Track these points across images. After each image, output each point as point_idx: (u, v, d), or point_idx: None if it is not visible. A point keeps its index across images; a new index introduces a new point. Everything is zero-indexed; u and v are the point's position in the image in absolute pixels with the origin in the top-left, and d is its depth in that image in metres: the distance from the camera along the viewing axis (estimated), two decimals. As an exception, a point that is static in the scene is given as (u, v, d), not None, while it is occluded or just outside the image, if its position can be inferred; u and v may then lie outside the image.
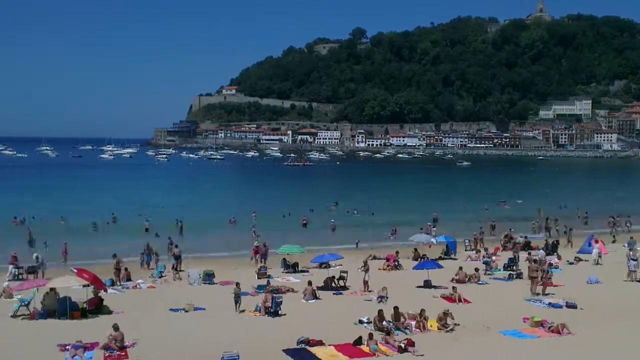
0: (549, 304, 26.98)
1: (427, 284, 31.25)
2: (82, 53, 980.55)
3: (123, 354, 20.04)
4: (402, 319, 23.22)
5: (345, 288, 31.25)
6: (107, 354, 19.96)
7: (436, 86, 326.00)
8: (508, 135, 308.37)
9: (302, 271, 36.46)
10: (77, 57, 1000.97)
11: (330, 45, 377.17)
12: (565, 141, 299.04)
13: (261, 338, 21.93)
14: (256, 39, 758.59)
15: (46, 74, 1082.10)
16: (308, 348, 20.62)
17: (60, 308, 25.14)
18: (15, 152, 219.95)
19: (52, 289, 26.02)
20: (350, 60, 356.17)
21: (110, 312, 26.01)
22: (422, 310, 23.46)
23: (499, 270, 36.26)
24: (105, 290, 28.54)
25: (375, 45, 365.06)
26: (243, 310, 26.01)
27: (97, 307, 26.23)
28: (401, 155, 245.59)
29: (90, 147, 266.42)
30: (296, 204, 69.76)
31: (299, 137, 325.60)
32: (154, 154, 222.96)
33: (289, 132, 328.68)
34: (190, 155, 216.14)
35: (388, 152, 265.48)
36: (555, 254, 40.82)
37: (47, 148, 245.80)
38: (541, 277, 29.56)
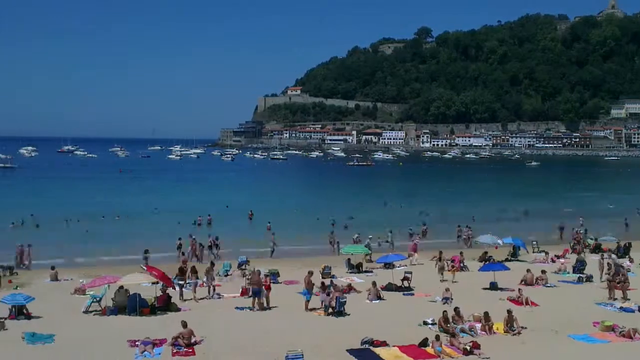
0: (621, 308, 26.25)
1: (493, 286, 30.77)
2: (150, 55, 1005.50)
3: (190, 350, 20.40)
4: (462, 321, 22.91)
5: (409, 289, 31.06)
6: (175, 350, 20.36)
7: (503, 85, 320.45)
8: (578, 134, 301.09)
9: (366, 271, 36.38)
10: (147, 60, 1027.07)
11: (395, 45, 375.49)
12: (638, 141, 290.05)
13: (325, 338, 21.99)
14: (321, 40, 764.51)
15: (116, 76, 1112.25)
16: (372, 349, 20.59)
17: (130, 304, 25.77)
18: (86, 153, 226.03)
19: (122, 286, 26.73)
20: (416, 60, 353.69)
21: (178, 309, 26.51)
22: (487, 313, 23.12)
23: (568, 273, 35.42)
24: (174, 288, 29.10)
25: (440, 44, 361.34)
26: (313, 309, 26.06)
27: (165, 304, 26.78)
28: (468, 156, 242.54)
29: (159, 148, 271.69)
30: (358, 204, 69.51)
31: (363, 137, 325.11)
32: (219, 154, 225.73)
33: (354, 132, 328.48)
34: (255, 156, 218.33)
35: (454, 153, 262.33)
36: (627, 256, 39.62)
37: (118, 148, 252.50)
38: (621, 281, 28.75)
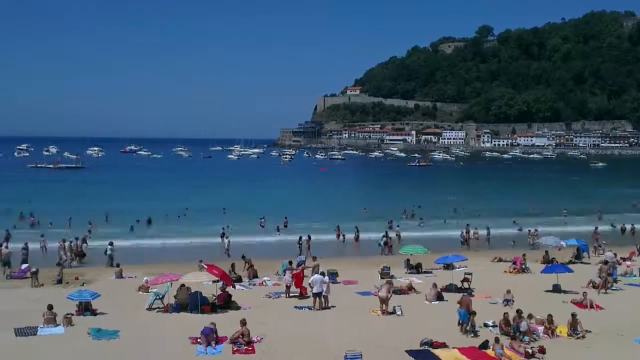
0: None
1: (556, 289, 30.18)
2: (212, 55, 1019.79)
3: (250, 348, 20.64)
4: (523, 322, 22.52)
5: (470, 290, 30.72)
6: (235, 348, 20.63)
7: (567, 84, 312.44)
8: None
9: (425, 272, 36.12)
10: (208, 60, 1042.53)
11: (455, 44, 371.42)
12: None
13: (384, 338, 21.95)
14: (381, 39, 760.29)
15: (177, 77, 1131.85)
16: (431, 350, 20.46)
17: (191, 302, 26.21)
18: (150, 153, 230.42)
19: (183, 284, 27.21)
20: (476, 59, 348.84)
21: (238, 308, 26.82)
22: (550, 316, 22.69)
23: (635, 276, 34.45)
24: (234, 287, 29.46)
25: (502, 42, 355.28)
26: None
27: (226, 303, 27.14)
28: (532, 156, 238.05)
29: (220, 148, 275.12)
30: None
31: (423, 137, 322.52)
32: (278, 154, 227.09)
33: (413, 132, 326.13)
34: (315, 156, 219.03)
35: (515, 153, 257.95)
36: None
37: (181, 148, 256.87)
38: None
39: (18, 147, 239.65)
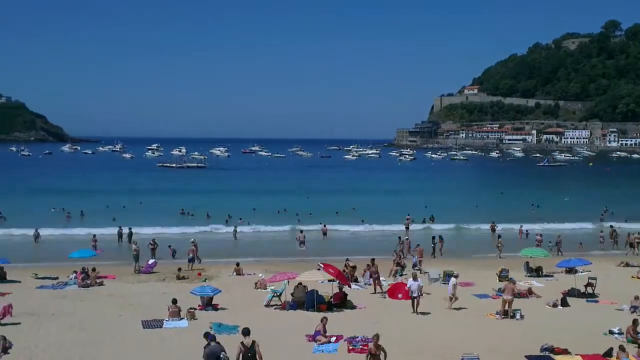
0: None
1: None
2: (328, 55, 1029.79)
3: (366, 348, 20.67)
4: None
5: (594, 295, 29.54)
6: (350, 347, 20.78)
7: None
8: None
9: (546, 276, 35.03)
10: (323, 60, 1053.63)
11: (580, 39, 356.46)
12: None
13: (502, 342, 21.49)
14: (500, 37, 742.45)
15: (293, 78, 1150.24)
16: (552, 356, 19.86)
17: (308, 300, 26.64)
18: (270, 153, 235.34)
19: (300, 282, 27.68)
20: (602, 55, 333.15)
21: (354, 307, 26.99)
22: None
23: None
24: (349, 286, 29.68)
25: (630, 37, 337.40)
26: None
27: (341, 302, 27.39)
28: None
29: (337, 148, 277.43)
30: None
31: (544, 136, 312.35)
32: (397, 154, 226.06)
33: (533, 131, 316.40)
34: (433, 156, 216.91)
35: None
36: None
37: (298, 148, 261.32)
38: None
39: (148, 147, 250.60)
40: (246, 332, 16.66)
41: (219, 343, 17.27)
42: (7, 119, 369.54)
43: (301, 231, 47.30)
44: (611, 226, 50.03)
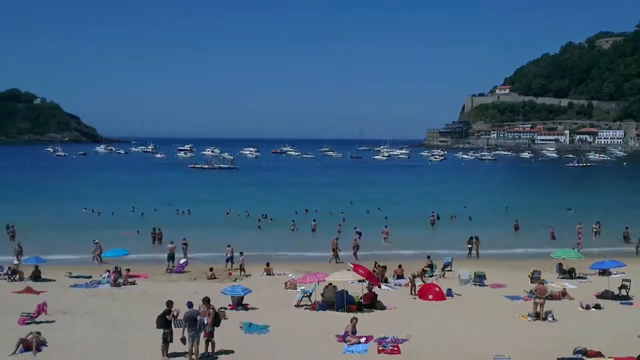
0: None
1: None
2: (360, 55, 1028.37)
3: (396, 349, 20.66)
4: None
5: (628, 297, 29.13)
6: (380, 348, 20.75)
7: None
8: None
9: (579, 277, 34.62)
10: (355, 60, 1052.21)
11: (614, 38, 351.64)
12: None
13: (533, 344, 21.27)
14: (532, 36, 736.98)
15: (327, 79, 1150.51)
16: (585, 359, 19.60)
17: (338, 301, 26.64)
18: (300, 153, 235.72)
19: (330, 283, 27.69)
20: (636, 54, 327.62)
21: (383, 308, 26.94)
22: None
23: None
24: (379, 286, 29.63)
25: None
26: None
27: (371, 302, 27.35)
28: None
29: (367, 148, 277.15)
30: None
31: (577, 136, 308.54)
32: (428, 154, 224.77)
33: (566, 132, 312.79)
34: (464, 156, 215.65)
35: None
36: None
37: (328, 149, 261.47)
38: None
39: (178, 148, 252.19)
40: (206, 300, 21.07)
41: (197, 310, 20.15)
42: (43, 120, 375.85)
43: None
44: (626, 228, 49.69)
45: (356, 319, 22.31)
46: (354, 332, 21.65)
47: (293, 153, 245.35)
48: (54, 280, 33.06)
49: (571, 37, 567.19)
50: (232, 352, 20.35)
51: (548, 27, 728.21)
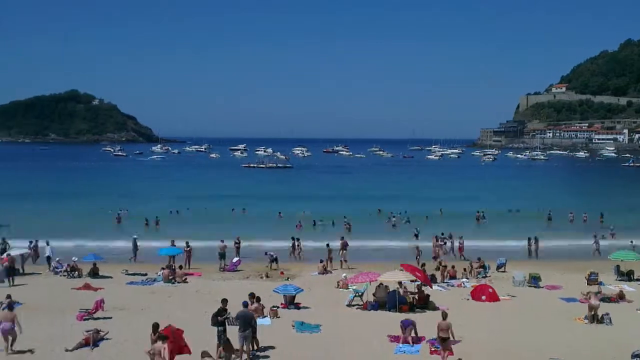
0: None
1: None
2: (414, 55, 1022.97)
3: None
4: None
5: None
6: (433, 349, 20.64)
7: None
8: None
9: (638, 280, 33.78)
10: (410, 60, 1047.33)
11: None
12: None
13: (589, 347, 20.93)
14: (589, 33, 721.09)
15: (378, 78, 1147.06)
16: (643, 363, 19.16)
17: (390, 301, 26.61)
18: (351, 153, 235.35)
19: (382, 283, 27.66)
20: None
21: (436, 308, 26.77)
22: None
23: None
24: (431, 287, 29.47)
25: None
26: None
27: (424, 302, 27.23)
28: None
29: (419, 148, 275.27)
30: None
31: (636, 135, 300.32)
32: (481, 154, 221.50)
33: (625, 130, 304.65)
34: (517, 156, 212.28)
35: None
36: None
37: (377, 148, 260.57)
38: None
39: (230, 147, 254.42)
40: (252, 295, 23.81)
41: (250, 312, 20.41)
42: (101, 121, 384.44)
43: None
44: None
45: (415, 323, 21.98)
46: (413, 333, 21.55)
47: (345, 153, 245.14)
48: (111, 277, 33.86)
49: (630, 34, 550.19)
50: (284, 351, 20.49)
51: (606, 24, 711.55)
